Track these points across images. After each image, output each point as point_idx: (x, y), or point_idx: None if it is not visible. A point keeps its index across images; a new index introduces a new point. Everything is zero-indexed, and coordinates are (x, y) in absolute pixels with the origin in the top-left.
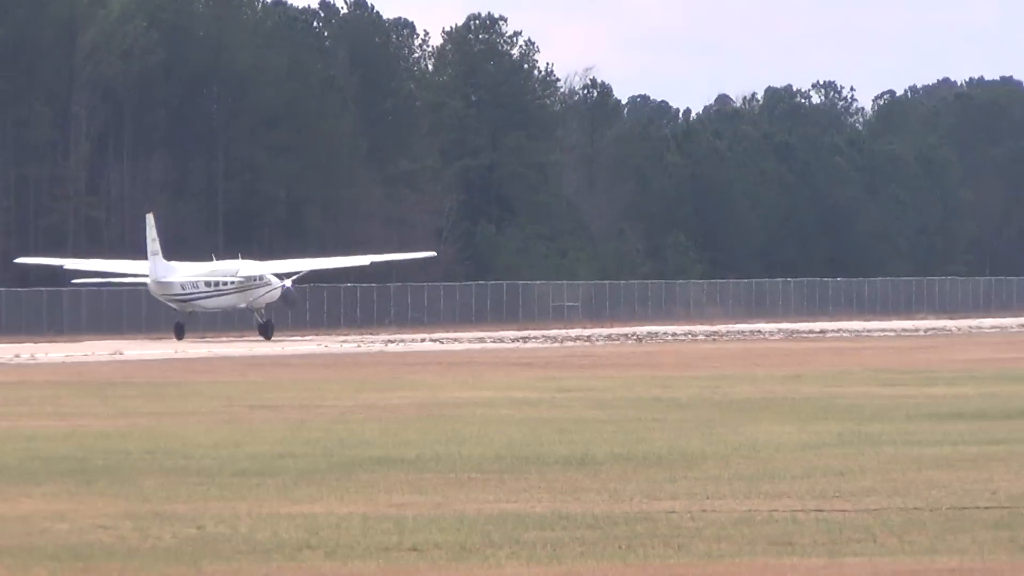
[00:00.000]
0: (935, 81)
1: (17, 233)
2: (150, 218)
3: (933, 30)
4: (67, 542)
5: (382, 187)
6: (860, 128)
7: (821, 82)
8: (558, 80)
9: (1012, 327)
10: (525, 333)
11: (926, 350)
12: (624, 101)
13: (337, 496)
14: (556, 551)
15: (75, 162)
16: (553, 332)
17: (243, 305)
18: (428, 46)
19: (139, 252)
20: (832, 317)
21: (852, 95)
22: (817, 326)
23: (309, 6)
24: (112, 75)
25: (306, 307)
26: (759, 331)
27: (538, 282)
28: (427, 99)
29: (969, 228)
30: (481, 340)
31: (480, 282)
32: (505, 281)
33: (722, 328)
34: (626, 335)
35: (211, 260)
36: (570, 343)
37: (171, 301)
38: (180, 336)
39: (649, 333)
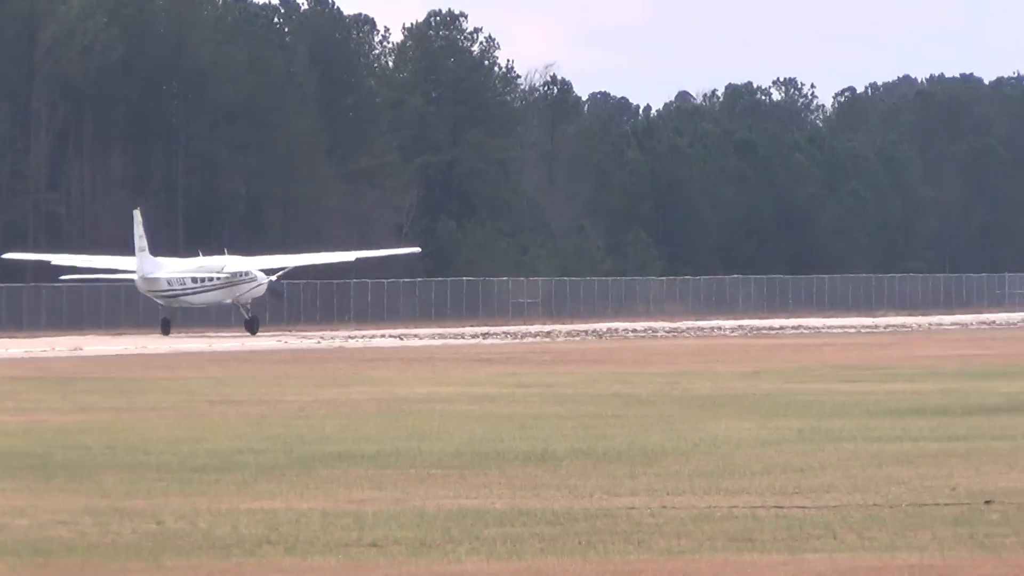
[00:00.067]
0: (895, 78)
1: None
2: (137, 214)
3: (894, 27)
4: (27, 538)
5: (342, 183)
6: (820, 125)
7: (782, 79)
8: (518, 77)
9: (972, 324)
10: (485, 329)
11: (886, 347)
12: (584, 98)
13: (297, 492)
14: (516, 547)
15: (35, 158)
16: (513, 328)
17: (229, 301)
18: (388, 42)
19: (99, 247)
20: (792, 314)
21: (813, 92)
22: (777, 323)
23: (269, 2)
24: (72, 71)
25: (266, 304)
26: (719, 328)
27: (498, 278)
28: (387, 95)
29: (929, 225)
30: (441, 336)
31: (440, 278)
32: (465, 277)
33: (682, 324)
34: (586, 331)
35: (197, 256)
36: (530, 339)
37: (158, 297)
38: (167, 332)
39: (609, 329)
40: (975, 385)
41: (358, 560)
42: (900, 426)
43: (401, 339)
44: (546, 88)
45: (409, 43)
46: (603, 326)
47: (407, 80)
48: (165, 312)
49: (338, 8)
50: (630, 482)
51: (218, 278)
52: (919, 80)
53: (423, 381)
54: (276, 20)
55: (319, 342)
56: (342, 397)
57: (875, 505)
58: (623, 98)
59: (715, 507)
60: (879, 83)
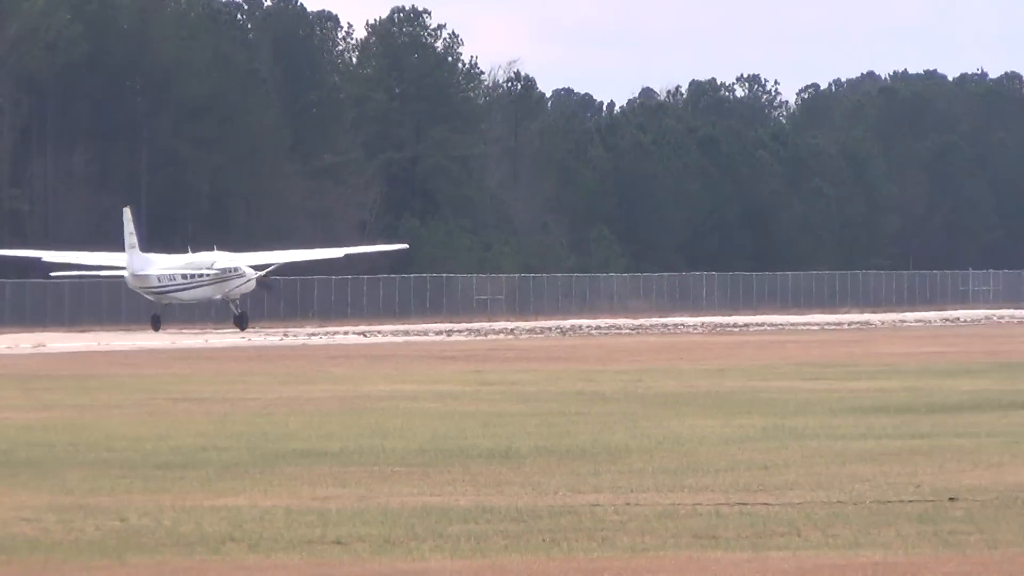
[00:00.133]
0: (859, 75)
1: None
2: (127, 212)
3: (857, 24)
4: None
5: (306, 180)
6: (784, 122)
7: (745, 76)
8: (482, 73)
9: (935, 321)
10: (449, 326)
11: (849, 344)
12: (548, 94)
13: (261, 489)
14: (480, 544)
15: None
16: (477, 325)
17: (219, 297)
18: (352, 39)
19: (62, 243)
20: (755, 311)
21: (776, 89)
22: (740, 320)
23: None
24: (36, 67)
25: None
26: (683, 325)
27: (462, 275)
28: (351, 92)
29: (893, 222)
30: (405, 333)
31: (404, 275)
32: (429, 274)
33: (646, 322)
34: (550, 328)
35: (187, 252)
36: (494, 336)
37: (148, 293)
38: (157, 328)
39: (573, 326)
40: (939, 382)
41: (322, 557)
42: (864, 423)
43: (365, 336)
44: (509, 85)
45: (372, 40)
46: (567, 323)
47: (370, 77)
48: (155, 308)
49: (301, 5)
50: (594, 479)
51: (207, 274)
52: (883, 77)
53: (387, 378)
54: (240, 17)
55: (282, 339)
56: (306, 394)
57: (839, 502)
58: (587, 95)
59: (679, 504)
60: (843, 80)
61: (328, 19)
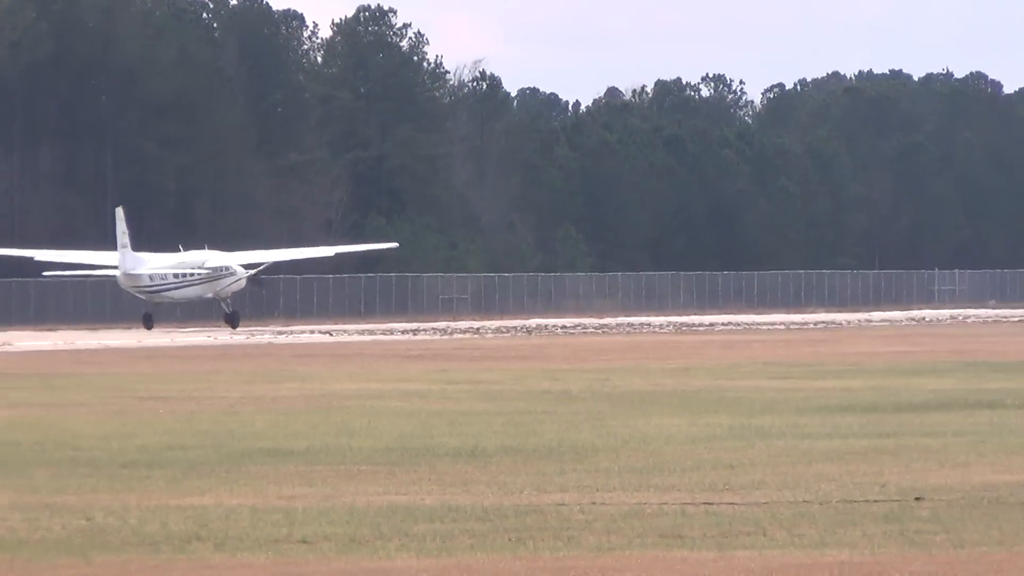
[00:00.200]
0: (824, 74)
1: None
2: (120, 211)
3: (822, 23)
4: None
5: (271, 179)
6: (749, 121)
7: (711, 75)
8: (447, 72)
9: (901, 320)
10: (415, 325)
11: (815, 343)
12: (513, 94)
13: (226, 488)
14: (446, 543)
15: None
16: (443, 324)
17: (210, 295)
18: (317, 38)
19: (28, 242)
20: (722, 310)
21: (742, 88)
22: (707, 319)
23: None
24: (1, 66)
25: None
26: (649, 324)
27: (428, 274)
28: (316, 91)
29: (858, 221)
30: (371, 332)
31: (369, 274)
32: (394, 273)
33: (612, 321)
34: (516, 328)
35: (178, 251)
36: (460, 335)
37: (140, 292)
38: (149, 326)
39: (539, 326)
40: (905, 382)
41: (288, 556)
42: (830, 423)
43: (331, 335)
44: (475, 84)
45: (338, 39)
46: (533, 322)
47: (336, 76)
48: (147, 307)
49: (267, 4)
50: (560, 479)
51: (199, 273)
52: (848, 76)
53: (352, 377)
54: (205, 16)
55: (248, 338)
56: (272, 393)
57: (805, 502)
58: (552, 94)
59: (645, 504)
60: (808, 79)
61: (294, 18)
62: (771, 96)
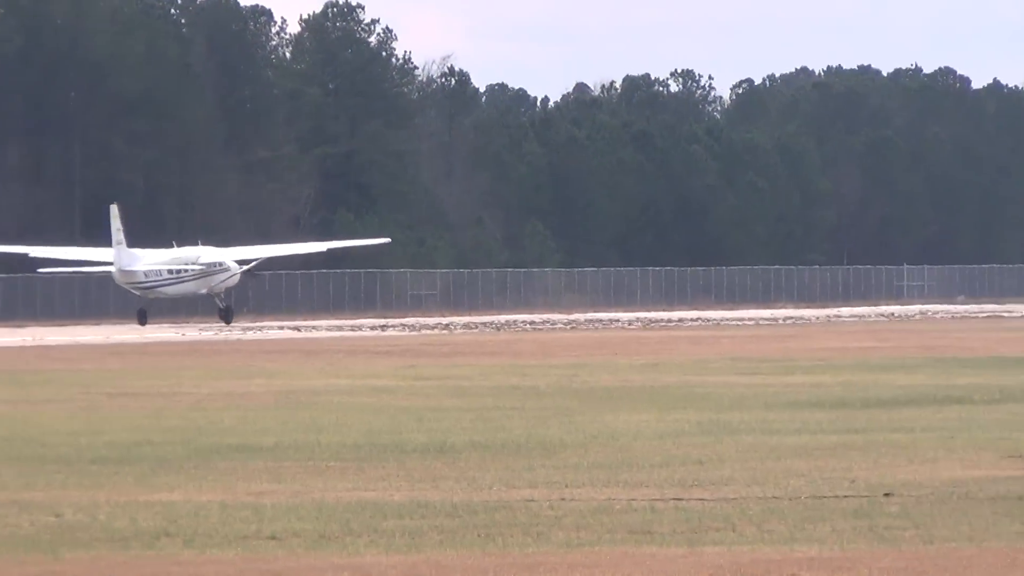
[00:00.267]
0: (793, 70)
1: None
2: (114, 208)
3: (791, 19)
4: None
5: (240, 175)
6: (718, 117)
7: (679, 71)
8: (416, 68)
9: (870, 316)
10: (383, 321)
11: (784, 339)
12: (482, 89)
13: (195, 484)
14: (415, 540)
15: None
16: (411, 320)
17: (204, 291)
18: (286, 34)
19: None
20: (690, 306)
21: (710, 84)
22: (675, 315)
23: None
24: None
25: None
26: (617, 320)
27: (396, 270)
28: (285, 87)
29: (827, 217)
30: (339, 328)
31: (338, 270)
32: (363, 270)
33: (580, 317)
34: (484, 323)
35: (172, 247)
36: (428, 331)
37: (135, 288)
38: (143, 322)
39: (507, 321)
40: (874, 377)
41: (257, 552)
42: (799, 419)
43: (299, 331)
44: (444, 79)
45: (306, 34)
46: (501, 318)
47: (304, 71)
48: (141, 303)
49: None
50: (529, 474)
51: (193, 269)
52: (816, 72)
53: (321, 373)
54: (173, 11)
55: (217, 334)
56: (240, 389)
57: (774, 498)
58: (521, 90)
59: (614, 499)
60: (776, 75)
61: (262, 14)
62: (740, 91)
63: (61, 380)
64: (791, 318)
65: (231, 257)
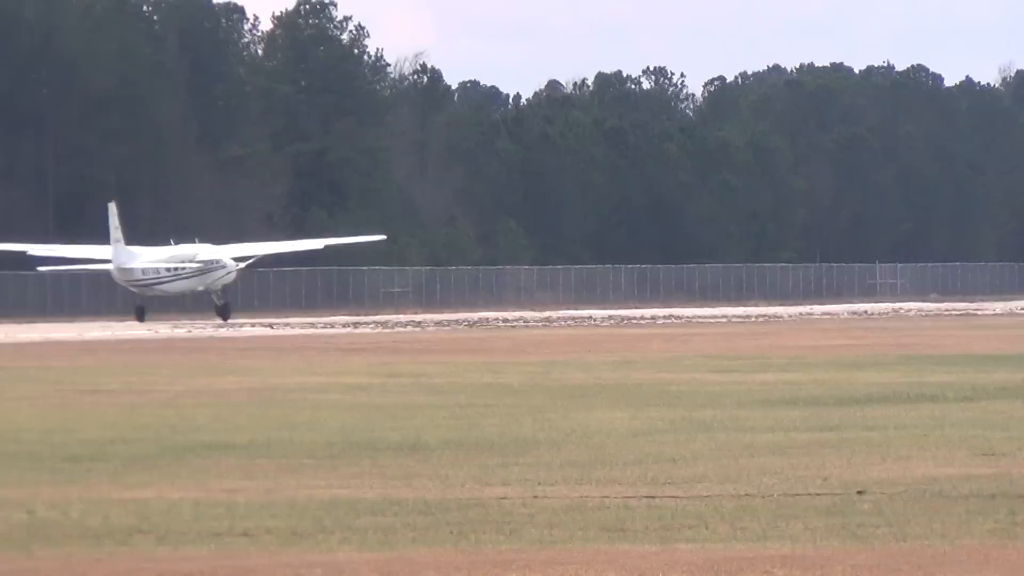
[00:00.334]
0: (765, 68)
1: None
2: (112, 207)
3: (763, 16)
4: None
5: (212, 172)
6: (691, 114)
7: (651, 68)
8: (388, 66)
9: (843, 314)
10: (356, 318)
11: (757, 336)
12: (454, 87)
13: (168, 481)
14: (388, 537)
15: None
16: (384, 317)
17: (202, 288)
18: (258, 31)
19: None
20: (663, 303)
21: (682, 81)
22: (648, 312)
23: None
24: None
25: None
26: (590, 317)
27: (369, 268)
28: (257, 84)
29: (800, 215)
30: (312, 325)
31: (310, 268)
32: (336, 267)
33: (553, 314)
34: (457, 321)
35: (169, 244)
36: (401, 329)
37: (132, 286)
38: (142, 319)
39: (480, 319)
40: (846, 375)
41: (230, 550)
42: (772, 416)
43: (272, 328)
44: (416, 77)
45: (279, 32)
46: (474, 316)
47: (277, 69)
48: (140, 300)
49: None
50: (502, 472)
51: (190, 267)
52: (789, 69)
53: (294, 371)
54: (146, 8)
55: (189, 331)
56: (213, 386)
57: (747, 495)
58: (493, 87)
59: (587, 497)
60: (749, 72)
61: (234, 11)
62: (712, 89)
63: (34, 377)
64: (764, 316)
65: (228, 255)
